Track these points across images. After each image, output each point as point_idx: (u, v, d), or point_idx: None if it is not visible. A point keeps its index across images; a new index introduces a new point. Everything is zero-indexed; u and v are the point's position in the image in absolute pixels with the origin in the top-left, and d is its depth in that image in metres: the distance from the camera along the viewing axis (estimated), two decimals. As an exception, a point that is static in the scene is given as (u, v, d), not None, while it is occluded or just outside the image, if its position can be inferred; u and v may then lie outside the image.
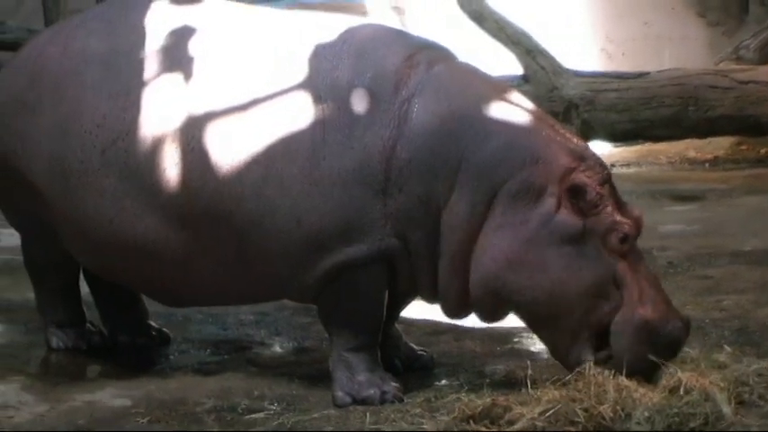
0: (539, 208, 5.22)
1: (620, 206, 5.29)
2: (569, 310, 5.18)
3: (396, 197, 5.35)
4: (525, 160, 5.26)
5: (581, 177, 5.22)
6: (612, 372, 4.95)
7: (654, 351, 5.06)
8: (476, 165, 5.30)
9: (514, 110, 5.44)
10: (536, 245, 5.20)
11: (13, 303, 7.03)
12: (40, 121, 5.81)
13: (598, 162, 5.32)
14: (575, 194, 5.19)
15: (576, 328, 5.19)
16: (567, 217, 5.20)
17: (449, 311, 5.54)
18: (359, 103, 5.40)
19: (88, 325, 6.34)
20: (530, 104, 5.56)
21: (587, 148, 5.41)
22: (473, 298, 5.34)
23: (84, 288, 6.33)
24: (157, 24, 5.76)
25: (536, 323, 5.33)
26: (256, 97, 5.49)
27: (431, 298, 5.57)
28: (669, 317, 5.13)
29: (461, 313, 5.51)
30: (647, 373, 5.05)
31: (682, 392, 4.81)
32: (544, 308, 5.21)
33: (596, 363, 5.07)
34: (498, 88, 5.59)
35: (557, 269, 5.18)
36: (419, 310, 6.23)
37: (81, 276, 6.28)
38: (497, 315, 5.43)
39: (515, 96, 5.56)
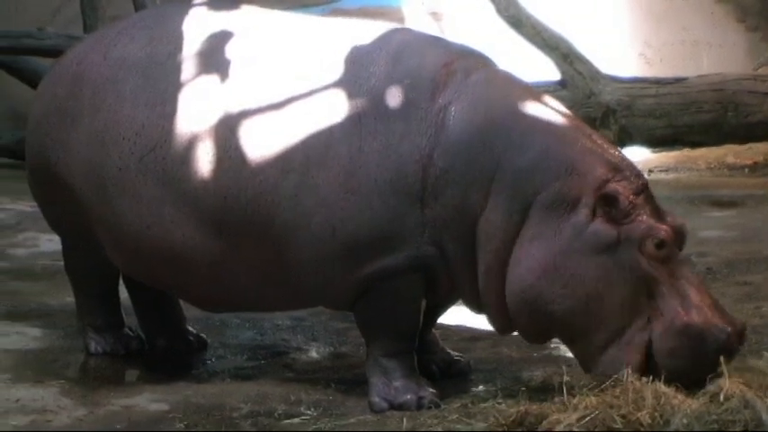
0: (572, 218, 5.17)
1: (659, 215, 5.22)
2: (604, 321, 5.12)
3: (432, 206, 5.32)
4: (560, 171, 5.22)
5: (614, 186, 5.16)
6: (650, 378, 4.91)
7: (699, 357, 4.96)
8: (511, 174, 5.26)
9: (551, 119, 5.40)
10: (570, 255, 5.15)
11: (51, 308, 7.08)
12: (79, 129, 5.85)
13: (634, 173, 5.26)
14: (607, 203, 5.13)
15: (612, 341, 5.12)
16: (600, 226, 5.14)
17: (494, 323, 5.49)
18: (395, 112, 5.38)
19: (126, 330, 6.37)
20: (567, 113, 5.51)
21: (624, 158, 5.35)
22: (511, 310, 5.29)
23: (123, 293, 6.36)
24: (195, 32, 5.78)
25: (571, 335, 5.28)
26: (293, 105, 5.50)
27: (475, 308, 5.54)
28: (714, 321, 5.02)
29: (506, 325, 5.44)
30: (695, 381, 4.92)
31: (721, 399, 4.76)
32: (580, 318, 5.15)
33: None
34: (536, 97, 5.54)
35: (592, 279, 5.12)
36: (456, 316, 6.22)
37: (120, 281, 6.31)
38: (536, 329, 5.35)
39: (553, 105, 5.52)
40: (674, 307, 5.07)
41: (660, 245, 5.12)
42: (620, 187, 5.17)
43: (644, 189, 5.23)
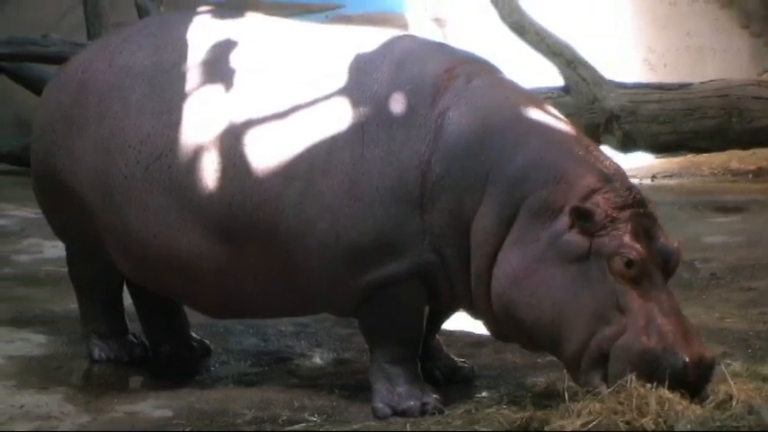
0: (552, 226, 5.12)
1: (648, 234, 5.08)
2: (571, 333, 5.05)
3: (430, 212, 5.32)
4: (549, 179, 5.17)
5: (595, 199, 5.07)
6: (655, 384, 4.89)
7: (651, 381, 4.81)
8: (502, 181, 5.23)
9: (547, 127, 5.37)
10: (543, 263, 5.11)
11: (56, 315, 7.08)
12: (85, 137, 5.85)
13: (627, 186, 5.15)
14: (580, 217, 5.04)
15: (580, 352, 5.05)
16: (573, 236, 5.07)
17: (489, 329, 5.49)
18: (397, 118, 5.38)
19: (130, 336, 6.37)
20: (565, 122, 5.48)
21: (618, 170, 5.25)
22: (495, 315, 5.29)
23: (127, 299, 6.36)
24: (200, 40, 5.79)
25: (544, 344, 5.22)
26: (297, 113, 5.50)
27: (473, 314, 5.54)
28: (675, 350, 4.88)
29: (500, 331, 5.41)
30: None
31: (725, 405, 4.76)
32: (548, 328, 5.11)
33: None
34: (537, 105, 5.51)
35: (559, 289, 5.07)
36: (460, 322, 6.22)
37: (124, 288, 6.32)
38: (517, 336, 5.32)
39: (551, 113, 5.49)
40: (638, 328, 4.95)
41: (629, 264, 4.99)
42: (601, 200, 5.08)
43: (634, 204, 5.10)
